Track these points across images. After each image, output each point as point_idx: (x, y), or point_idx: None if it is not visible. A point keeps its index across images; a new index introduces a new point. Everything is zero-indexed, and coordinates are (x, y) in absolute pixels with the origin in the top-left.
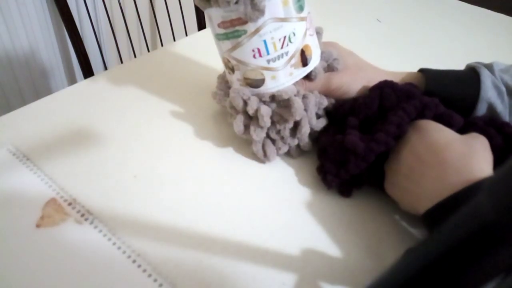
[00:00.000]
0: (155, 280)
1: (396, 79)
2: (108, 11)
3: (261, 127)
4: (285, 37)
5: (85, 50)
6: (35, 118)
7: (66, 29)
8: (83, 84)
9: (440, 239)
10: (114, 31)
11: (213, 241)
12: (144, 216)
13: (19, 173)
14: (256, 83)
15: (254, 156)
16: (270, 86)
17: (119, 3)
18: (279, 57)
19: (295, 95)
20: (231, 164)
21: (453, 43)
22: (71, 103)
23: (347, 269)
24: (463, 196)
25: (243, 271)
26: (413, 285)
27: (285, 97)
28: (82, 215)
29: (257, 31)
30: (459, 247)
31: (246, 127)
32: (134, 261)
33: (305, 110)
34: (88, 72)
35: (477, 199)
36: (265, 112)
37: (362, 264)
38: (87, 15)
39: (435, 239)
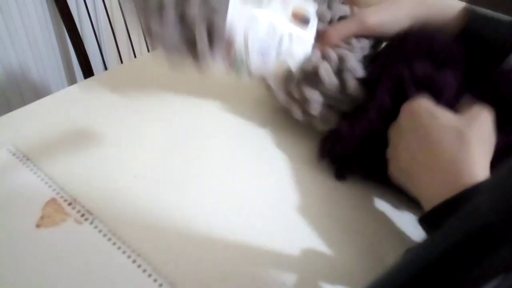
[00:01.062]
0: (155, 280)
1: (438, 14)
2: (108, 11)
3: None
4: (268, 34)
5: (85, 50)
6: (35, 118)
7: (66, 29)
8: (83, 84)
9: (440, 239)
10: (114, 31)
11: (213, 241)
12: (144, 216)
13: (19, 173)
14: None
15: (254, 156)
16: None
17: (119, 3)
18: (280, 44)
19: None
20: (231, 164)
21: None
22: (71, 103)
23: (347, 269)
24: (455, 203)
25: (243, 271)
26: (413, 285)
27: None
28: (82, 215)
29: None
30: (459, 247)
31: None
32: (134, 261)
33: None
34: (88, 72)
35: (476, 199)
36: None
37: (362, 264)
38: (87, 15)
39: (435, 239)
